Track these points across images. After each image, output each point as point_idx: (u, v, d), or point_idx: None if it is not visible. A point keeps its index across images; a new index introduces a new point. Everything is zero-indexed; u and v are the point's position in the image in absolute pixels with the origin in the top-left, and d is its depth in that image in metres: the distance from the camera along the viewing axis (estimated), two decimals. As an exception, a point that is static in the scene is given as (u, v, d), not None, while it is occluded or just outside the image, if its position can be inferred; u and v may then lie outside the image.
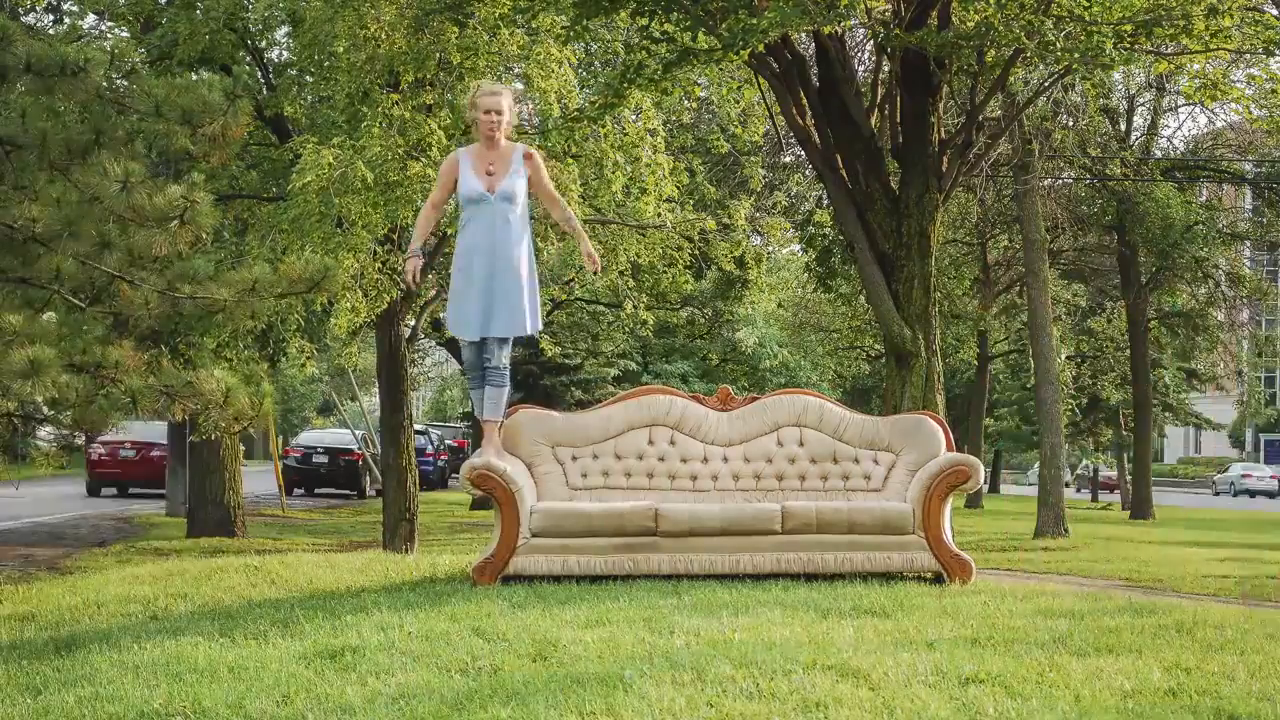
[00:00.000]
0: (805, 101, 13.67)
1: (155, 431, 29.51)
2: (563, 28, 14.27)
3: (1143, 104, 29.14)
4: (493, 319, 7.99)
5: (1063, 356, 31.16)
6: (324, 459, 34.25)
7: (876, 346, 31.69)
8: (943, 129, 14.12)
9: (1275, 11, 15.78)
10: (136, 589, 8.70)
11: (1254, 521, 29.85)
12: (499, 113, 8.01)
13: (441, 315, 25.09)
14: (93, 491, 29.75)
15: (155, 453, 29.45)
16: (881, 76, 15.01)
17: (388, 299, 17.87)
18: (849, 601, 7.15)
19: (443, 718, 5.06)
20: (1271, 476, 53.68)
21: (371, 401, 41.59)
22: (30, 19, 16.85)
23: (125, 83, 12.17)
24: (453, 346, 29.06)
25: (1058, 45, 12.03)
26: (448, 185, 8.11)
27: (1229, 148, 30.05)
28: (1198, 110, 28.84)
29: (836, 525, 8.15)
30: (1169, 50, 14.69)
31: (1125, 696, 5.42)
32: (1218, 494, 54.25)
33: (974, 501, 30.70)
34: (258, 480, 31.95)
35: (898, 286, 13.19)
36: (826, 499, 8.58)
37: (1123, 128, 28.52)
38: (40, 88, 7.89)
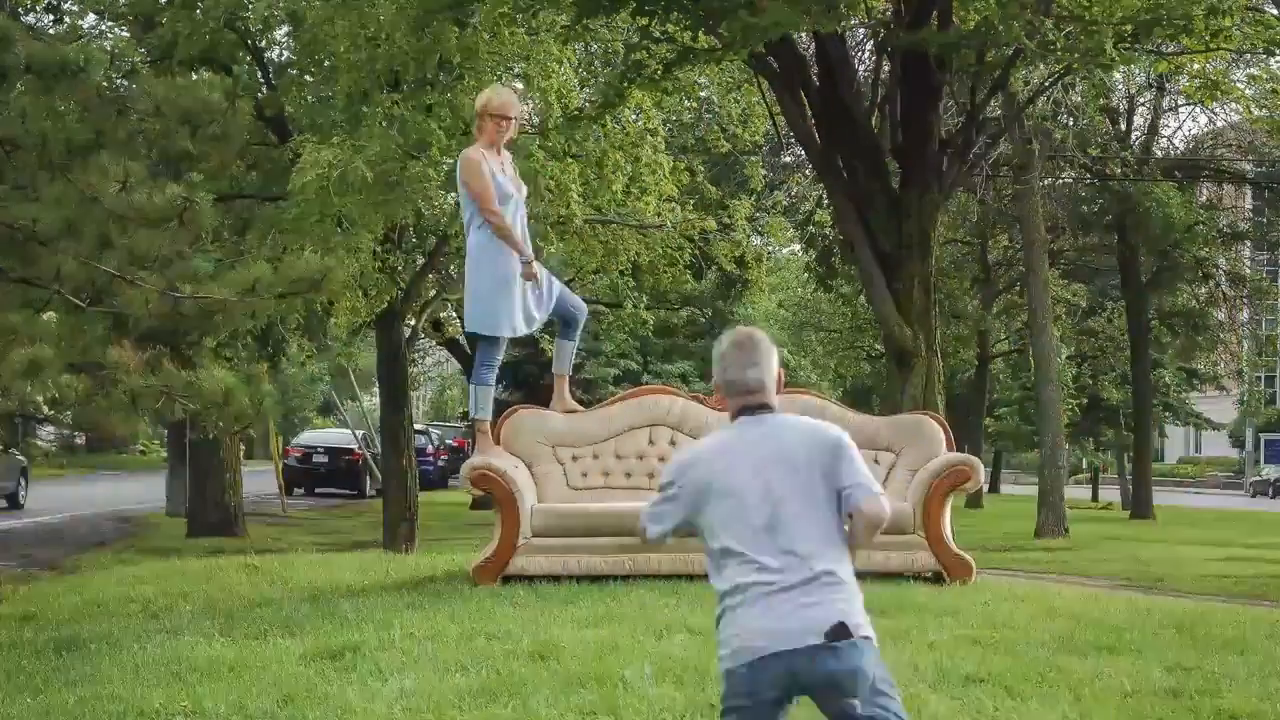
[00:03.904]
0: (805, 101, 13.67)
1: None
2: (563, 27, 14.26)
3: (1143, 104, 29.11)
4: (533, 310, 8.13)
5: (1063, 356, 31.13)
6: (324, 459, 34.25)
7: (876, 346, 31.64)
8: (943, 129, 14.12)
9: (1275, 11, 15.77)
10: (136, 589, 8.71)
11: (1257, 521, 29.83)
12: (515, 120, 8.23)
13: (442, 315, 25.10)
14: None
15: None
16: (881, 76, 15.02)
17: (387, 299, 17.88)
18: (849, 601, 7.13)
19: (443, 718, 5.06)
20: None
21: (372, 401, 41.59)
22: (30, 19, 16.82)
23: (125, 83, 12.15)
24: (453, 347, 29.03)
25: (1058, 45, 12.03)
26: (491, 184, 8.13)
27: (1229, 148, 30.02)
28: (1198, 110, 28.74)
29: (836, 525, 8.13)
30: (1169, 50, 14.68)
31: (1125, 696, 5.43)
32: (1255, 495, 53.71)
33: (974, 501, 30.66)
34: (258, 480, 31.93)
35: (898, 286, 13.18)
36: (826, 499, 8.56)
37: (1123, 128, 28.48)
38: (40, 88, 7.87)
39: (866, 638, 3.48)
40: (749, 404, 3.66)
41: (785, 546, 3.49)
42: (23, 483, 25.57)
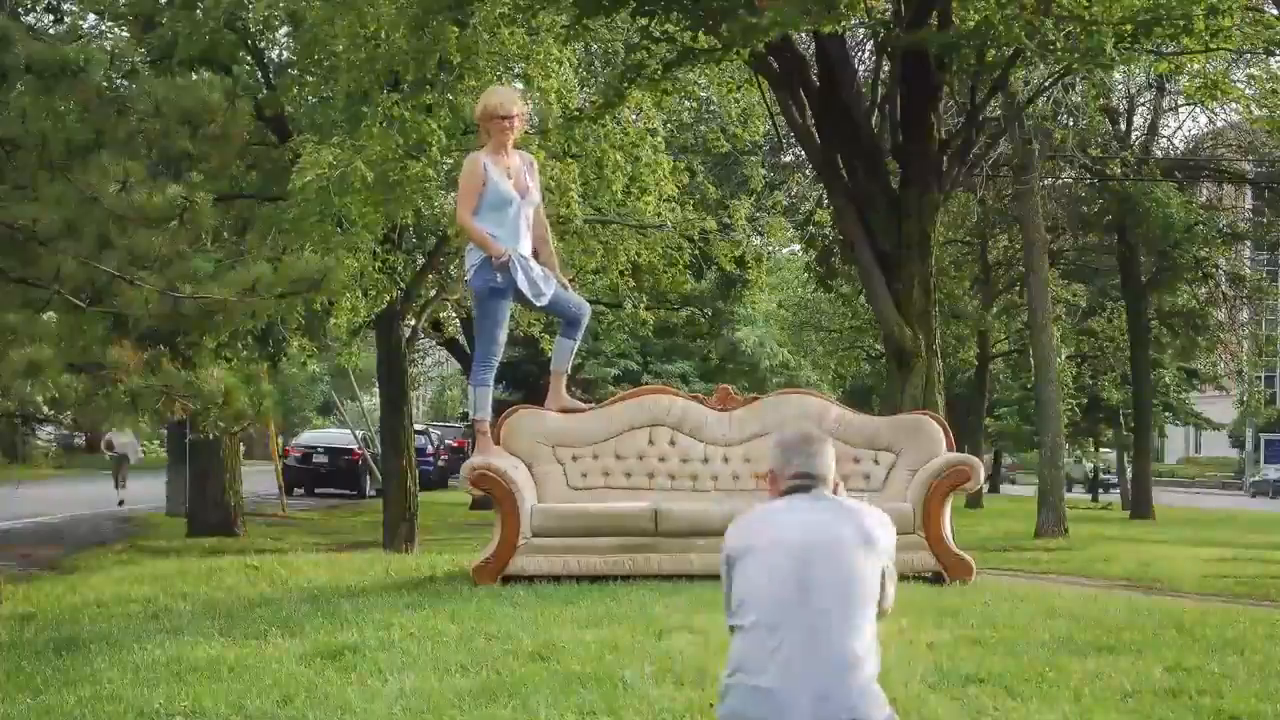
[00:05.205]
0: (805, 101, 13.67)
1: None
2: (563, 27, 14.26)
3: (1143, 104, 29.10)
4: (540, 285, 8.16)
5: (1063, 356, 31.12)
6: (324, 459, 34.25)
7: (876, 346, 31.63)
8: (943, 129, 14.11)
9: (1275, 11, 15.76)
10: (136, 589, 8.71)
11: (1256, 521, 29.84)
12: (518, 118, 8.15)
13: (442, 315, 25.09)
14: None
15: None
16: (881, 76, 15.01)
17: (387, 299, 17.88)
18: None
19: (443, 718, 5.06)
20: None
21: (371, 401, 41.59)
22: (30, 19, 16.80)
23: (125, 83, 12.13)
24: (453, 347, 29.01)
25: (1058, 45, 12.02)
26: (480, 190, 8.08)
27: (1229, 148, 30.00)
28: (1198, 110, 28.71)
29: (836, 525, 8.13)
30: (1169, 50, 14.67)
31: (1125, 696, 5.43)
32: (1255, 495, 53.63)
33: (974, 501, 30.65)
34: (258, 480, 31.94)
35: (898, 286, 13.18)
36: (826, 499, 8.56)
37: (1123, 128, 28.48)
38: (40, 88, 7.88)
39: None
40: (802, 485, 3.68)
41: (809, 619, 3.47)
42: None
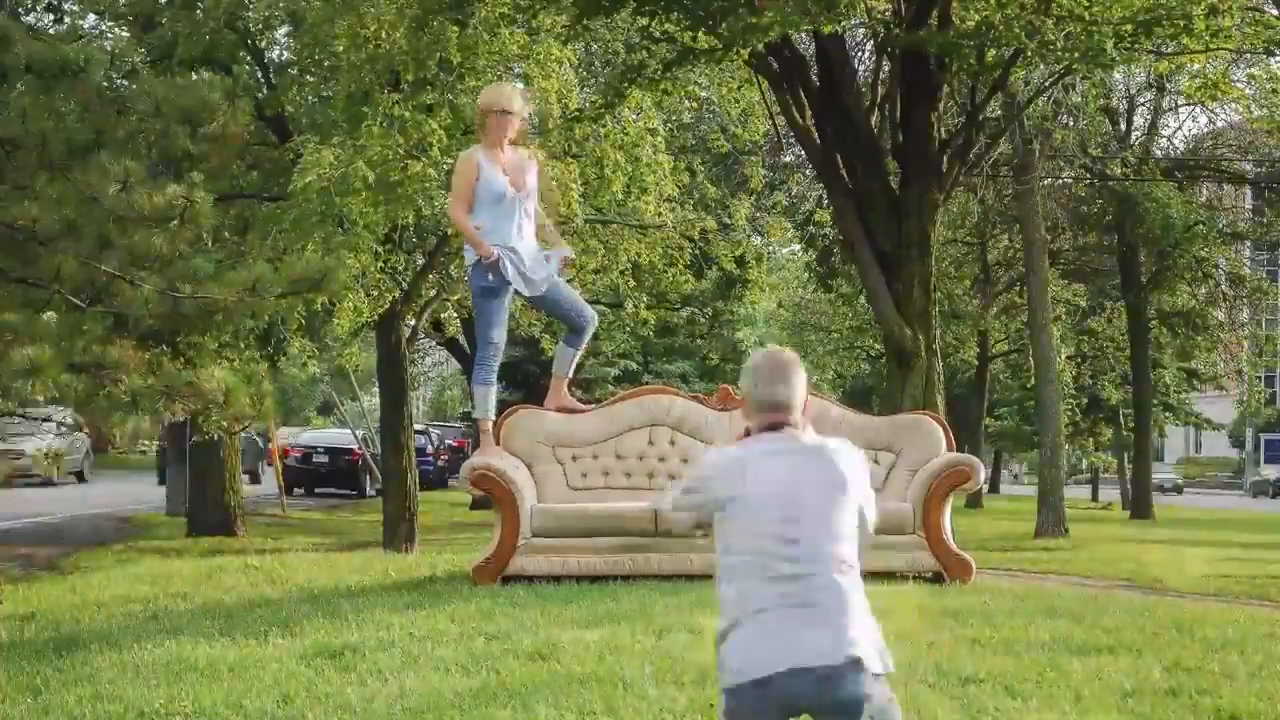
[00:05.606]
0: (805, 101, 13.66)
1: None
2: (563, 27, 14.26)
3: (1143, 104, 29.10)
4: (530, 275, 8.09)
5: (1063, 356, 31.09)
6: (324, 459, 34.23)
7: (876, 346, 31.62)
8: (943, 129, 14.10)
9: (1275, 11, 15.77)
10: (136, 589, 8.72)
11: (1254, 522, 29.83)
12: (517, 115, 8.12)
13: (442, 315, 25.09)
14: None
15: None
16: (881, 76, 15.01)
17: (389, 299, 17.88)
18: (849, 601, 7.13)
19: (443, 718, 5.06)
20: None
21: (371, 401, 41.58)
22: (30, 19, 16.81)
23: (125, 83, 12.14)
24: (453, 346, 29.00)
25: (1058, 45, 12.02)
26: (473, 184, 8.06)
27: (1229, 148, 30.01)
28: (1198, 110, 28.72)
29: (836, 525, 8.12)
30: (1169, 50, 14.67)
31: (1125, 696, 5.43)
32: (1255, 495, 53.63)
33: (974, 501, 30.65)
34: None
35: (898, 286, 13.17)
36: (826, 499, 8.56)
37: (1123, 128, 28.49)
38: (40, 88, 7.89)
39: (878, 675, 3.45)
40: (775, 421, 3.66)
41: (800, 566, 3.47)
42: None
